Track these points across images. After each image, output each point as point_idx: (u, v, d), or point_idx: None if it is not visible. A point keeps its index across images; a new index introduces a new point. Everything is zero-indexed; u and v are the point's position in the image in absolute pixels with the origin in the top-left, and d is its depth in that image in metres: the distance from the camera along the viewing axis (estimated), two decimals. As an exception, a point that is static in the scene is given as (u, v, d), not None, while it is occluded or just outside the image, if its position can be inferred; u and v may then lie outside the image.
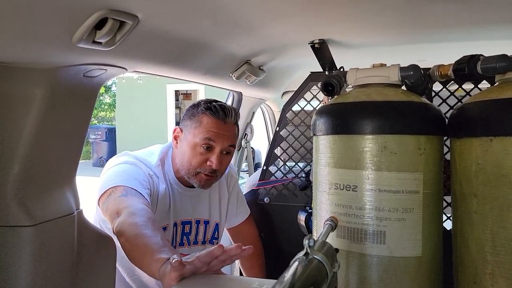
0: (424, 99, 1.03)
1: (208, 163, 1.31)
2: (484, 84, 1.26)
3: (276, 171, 1.74)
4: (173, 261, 0.83)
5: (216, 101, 1.37)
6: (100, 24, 0.74)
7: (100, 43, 0.78)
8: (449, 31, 1.19)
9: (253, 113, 2.22)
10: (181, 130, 1.36)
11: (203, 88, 11.06)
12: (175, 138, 1.38)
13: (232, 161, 1.96)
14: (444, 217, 1.13)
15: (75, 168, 1.02)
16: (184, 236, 1.44)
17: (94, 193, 1.27)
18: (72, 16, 0.70)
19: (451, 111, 1.32)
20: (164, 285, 0.86)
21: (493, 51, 0.96)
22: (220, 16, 0.92)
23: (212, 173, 1.34)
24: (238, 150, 2.20)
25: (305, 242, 0.75)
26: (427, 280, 0.97)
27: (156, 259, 0.90)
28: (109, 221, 1.13)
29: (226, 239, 1.75)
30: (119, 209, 1.10)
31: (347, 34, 1.24)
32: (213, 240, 1.53)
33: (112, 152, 11.84)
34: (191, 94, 13.62)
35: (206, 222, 1.50)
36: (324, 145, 1.04)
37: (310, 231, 1.49)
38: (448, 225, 1.12)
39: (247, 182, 2.10)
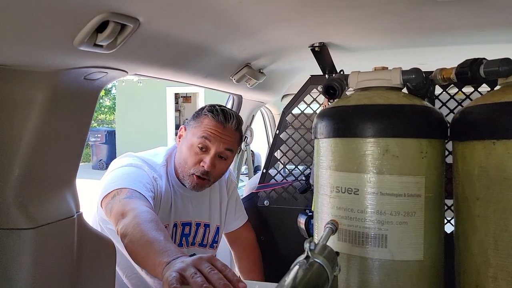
0: (426, 103, 1.03)
1: (201, 163, 1.32)
2: (484, 88, 1.26)
3: (276, 174, 1.74)
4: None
5: (221, 106, 1.41)
6: (101, 27, 0.74)
7: (101, 46, 0.78)
8: (449, 34, 1.19)
9: (253, 116, 2.22)
10: (185, 129, 1.41)
11: (203, 91, 11.07)
12: (179, 136, 1.42)
13: (232, 165, 1.97)
14: (445, 220, 1.12)
15: (75, 171, 1.01)
16: (183, 237, 1.44)
17: (95, 193, 1.27)
18: (73, 19, 0.70)
19: (451, 114, 1.32)
20: None
21: (494, 54, 0.97)
22: (221, 20, 0.92)
23: (204, 175, 1.33)
24: (238, 153, 2.19)
25: (306, 245, 0.74)
26: (429, 284, 0.96)
27: (159, 261, 0.89)
28: (113, 222, 1.13)
29: (223, 246, 1.74)
30: (124, 211, 1.10)
31: (347, 38, 1.24)
32: (213, 244, 1.53)
33: (111, 155, 11.84)
34: (190, 97, 13.64)
35: (207, 225, 1.50)
36: (325, 148, 1.03)
37: (310, 234, 1.48)
38: (449, 228, 1.12)
39: (246, 185, 2.10)
